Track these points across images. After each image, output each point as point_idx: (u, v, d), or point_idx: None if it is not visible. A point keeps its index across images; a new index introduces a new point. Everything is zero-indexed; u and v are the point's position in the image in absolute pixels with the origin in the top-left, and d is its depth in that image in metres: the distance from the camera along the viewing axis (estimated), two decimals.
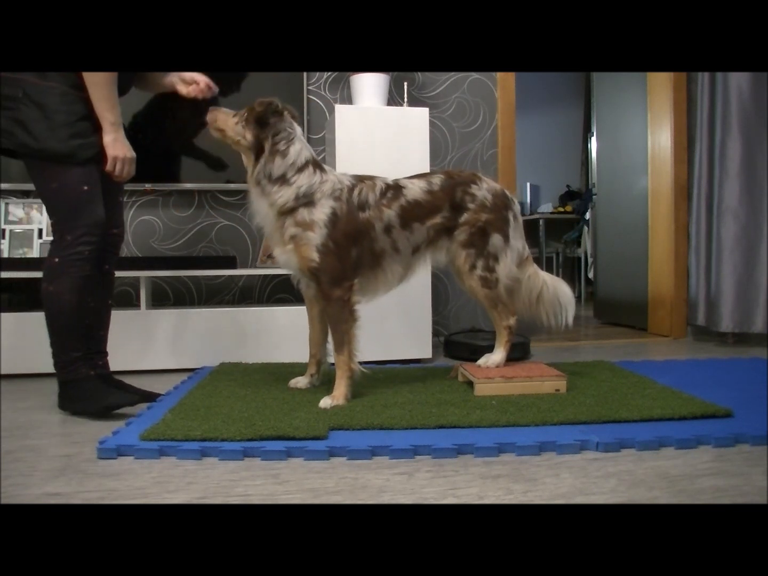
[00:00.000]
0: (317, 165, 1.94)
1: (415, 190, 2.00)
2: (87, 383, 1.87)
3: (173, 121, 2.70)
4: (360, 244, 1.92)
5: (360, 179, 1.98)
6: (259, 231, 3.02)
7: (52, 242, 1.84)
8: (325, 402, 1.84)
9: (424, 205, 2.00)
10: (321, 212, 1.87)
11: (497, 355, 2.11)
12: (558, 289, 2.16)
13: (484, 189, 2.06)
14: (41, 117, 1.73)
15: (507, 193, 2.12)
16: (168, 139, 2.78)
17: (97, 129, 1.81)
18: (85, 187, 1.80)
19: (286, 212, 1.88)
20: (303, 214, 1.87)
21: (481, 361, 2.11)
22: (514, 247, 2.08)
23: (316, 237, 1.86)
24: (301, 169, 1.89)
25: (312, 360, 2.12)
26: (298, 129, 1.94)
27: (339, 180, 1.94)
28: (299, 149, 1.90)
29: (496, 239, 2.04)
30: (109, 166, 1.85)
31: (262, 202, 1.90)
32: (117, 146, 1.83)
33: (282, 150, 1.87)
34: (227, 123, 1.91)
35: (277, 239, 1.93)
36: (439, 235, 2.04)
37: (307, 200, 1.87)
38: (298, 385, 2.09)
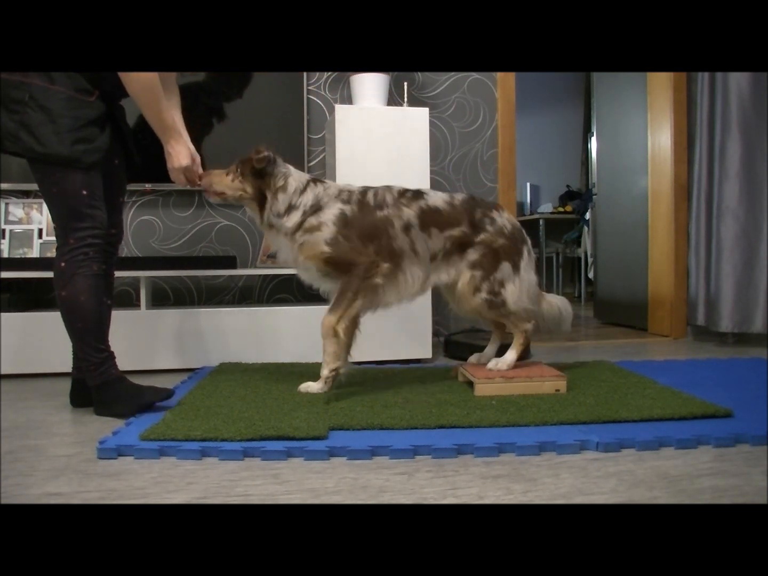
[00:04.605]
0: (317, 180, 1.99)
1: (436, 199, 2.03)
2: (120, 384, 1.87)
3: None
4: (378, 240, 1.93)
5: (372, 187, 2.02)
6: (260, 234, 3.02)
7: (57, 247, 1.84)
8: (308, 386, 1.91)
9: (444, 214, 2.01)
10: (329, 213, 1.91)
11: (510, 356, 2.08)
12: (567, 309, 2.24)
13: (504, 218, 2.08)
14: (47, 121, 1.72)
15: (522, 230, 2.14)
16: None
17: (103, 131, 1.81)
18: (85, 192, 1.79)
19: (296, 229, 1.92)
20: (311, 221, 1.91)
21: (491, 364, 2.07)
22: (524, 279, 2.06)
23: (324, 234, 1.89)
24: (303, 191, 1.94)
25: None
26: (288, 166, 2.00)
27: (346, 186, 1.99)
28: (297, 177, 1.97)
29: (505, 267, 2.02)
30: (173, 179, 1.96)
31: (280, 238, 1.96)
32: (168, 159, 1.92)
33: (281, 185, 1.93)
34: (224, 183, 1.98)
35: (294, 258, 1.96)
36: (454, 249, 2.02)
37: (314, 209, 1.92)
38: (309, 390, 1.98)
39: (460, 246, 2.03)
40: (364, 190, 1.99)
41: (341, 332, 1.91)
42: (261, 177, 1.93)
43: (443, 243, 2.01)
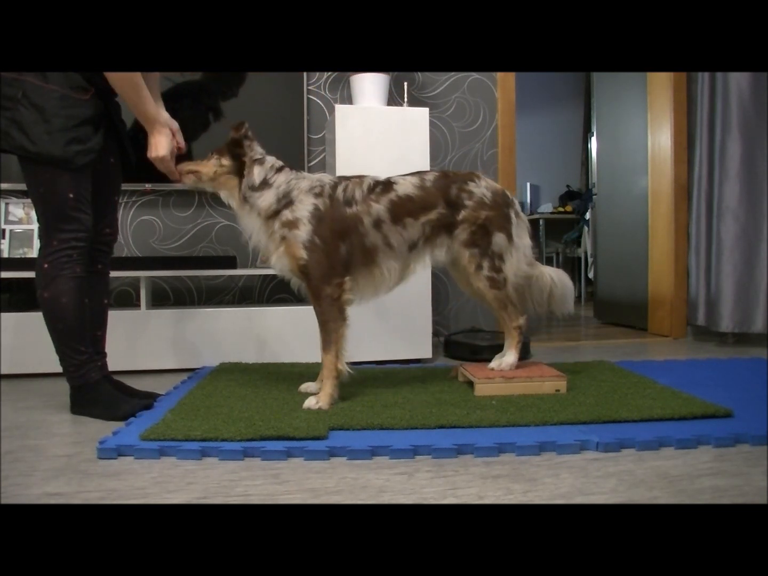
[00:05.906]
0: (292, 168, 1.99)
1: (406, 186, 1.98)
2: (98, 388, 1.88)
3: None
4: (349, 239, 1.92)
5: (345, 178, 2.00)
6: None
7: (40, 247, 1.84)
8: (310, 402, 1.83)
9: (416, 201, 1.97)
10: (303, 209, 1.89)
11: (510, 357, 2.07)
12: (563, 282, 2.15)
13: (483, 187, 2.03)
14: (39, 120, 1.71)
15: (507, 192, 2.09)
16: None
17: (98, 131, 1.81)
18: (71, 195, 1.78)
19: (271, 216, 1.90)
20: (286, 214, 1.90)
21: (494, 364, 2.07)
22: (519, 246, 2.05)
23: (301, 234, 1.87)
24: (279, 170, 1.95)
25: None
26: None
27: (318, 179, 1.97)
28: (274, 158, 1.98)
29: (499, 238, 2.00)
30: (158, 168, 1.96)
31: (251, 217, 1.93)
32: (150, 149, 1.92)
33: (259, 158, 1.94)
34: (199, 164, 1.98)
35: (271, 247, 1.94)
36: (436, 232, 2.01)
37: (287, 200, 1.90)
38: (309, 390, 2.02)
39: (444, 227, 2.01)
40: (335, 184, 1.96)
41: (343, 370, 1.91)
42: (240, 147, 1.93)
43: (421, 230, 1.99)
